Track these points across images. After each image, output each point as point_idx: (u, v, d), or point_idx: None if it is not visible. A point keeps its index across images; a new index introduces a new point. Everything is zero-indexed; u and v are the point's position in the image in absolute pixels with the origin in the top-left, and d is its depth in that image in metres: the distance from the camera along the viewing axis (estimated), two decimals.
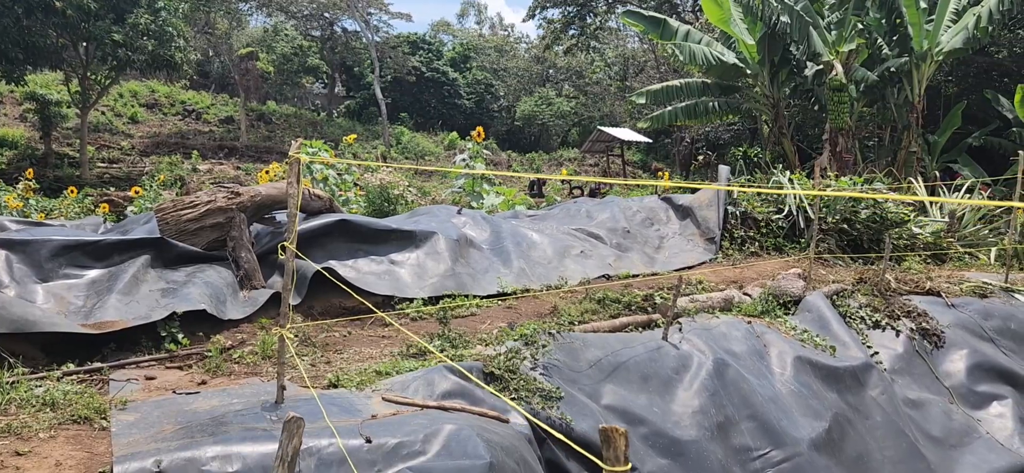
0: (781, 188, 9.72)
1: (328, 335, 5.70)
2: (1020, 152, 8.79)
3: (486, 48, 51.84)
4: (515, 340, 5.06)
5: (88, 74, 26.53)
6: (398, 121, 40.87)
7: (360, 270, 6.87)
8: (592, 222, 9.05)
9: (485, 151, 17.17)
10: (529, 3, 38.99)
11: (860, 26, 18.11)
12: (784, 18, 17.65)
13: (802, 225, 9.34)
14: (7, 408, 4.04)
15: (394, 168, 13.16)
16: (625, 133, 28.52)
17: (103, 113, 32.14)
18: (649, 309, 6.36)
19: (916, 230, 9.43)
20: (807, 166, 18.10)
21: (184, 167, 27.90)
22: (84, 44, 25.88)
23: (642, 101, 22.52)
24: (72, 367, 4.80)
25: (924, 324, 6.71)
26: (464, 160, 12.22)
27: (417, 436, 3.62)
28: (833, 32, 17.60)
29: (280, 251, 6.64)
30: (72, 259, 6.16)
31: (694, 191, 9.99)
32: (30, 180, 15.63)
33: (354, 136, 16.16)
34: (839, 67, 17.27)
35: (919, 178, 14.96)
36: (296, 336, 5.44)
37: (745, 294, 6.99)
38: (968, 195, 11.93)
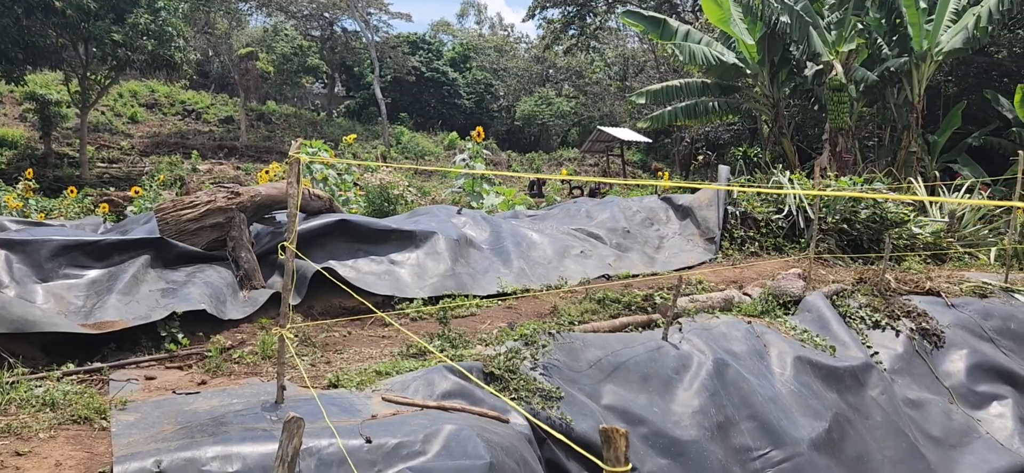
0: (781, 188, 9.72)
1: (328, 335, 5.70)
2: (1020, 152, 8.79)
3: (486, 48, 51.85)
4: (515, 340, 5.06)
5: (88, 74, 26.53)
6: (398, 121, 40.88)
7: (360, 270, 6.87)
8: (592, 222, 9.05)
9: (485, 151, 17.17)
10: (529, 3, 39.01)
11: (860, 26, 18.11)
12: (784, 18, 17.65)
13: (802, 225, 9.34)
14: (7, 408, 4.04)
15: (394, 168, 13.16)
16: (625, 133, 28.52)
17: (103, 113, 32.15)
18: (649, 309, 6.36)
19: (916, 230, 9.43)
20: (807, 166, 18.10)
21: (184, 167, 27.90)
22: (84, 44, 25.88)
23: (642, 101, 22.52)
24: (72, 367, 4.80)
25: (924, 324, 6.72)
26: (464, 160, 12.22)
27: (417, 436, 3.62)
28: (833, 32, 17.60)
29: (280, 251, 6.64)
30: (72, 259, 6.16)
31: (694, 191, 9.99)
32: (30, 180, 15.63)
33: (354, 136, 16.16)
34: (839, 67, 17.28)
35: (919, 178, 14.96)
36: (296, 336, 5.44)
37: (745, 294, 7.00)
38: (968, 195, 11.93)
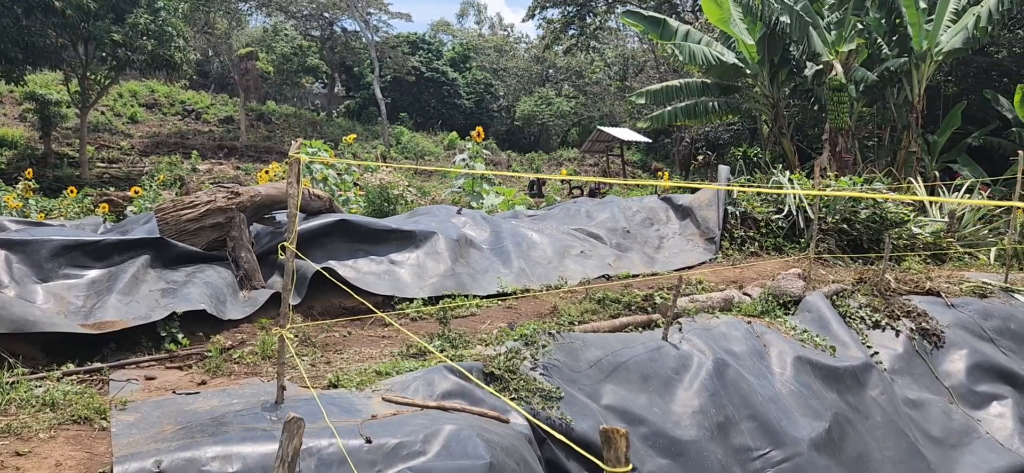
0: (781, 188, 9.72)
1: (328, 335, 5.70)
2: (1020, 152, 8.79)
3: (486, 48, 51.86)
4: (515, 340, 5.06)
5: (88, 74, 26.53)
6: (398, 121, 40.88)
7: (360, 270, 6.87)
8: (592, 222, 9.05)
9: (485, 151, 17.17)
10: (529, 3, 39.02)
11: (860, 26, 18.11)
12: (784, 18, 17.65)
13: (802, 225, 9.34)
14: (7, 408, 4.04)
15: (394, 168, 13.16)
16: (625, 133, 28.52)
17: (103, 113, 32.15)
18: (649, 309, 6.36)
19: (916, 230, 9.43)
20: (807, 166, 18.11)
21: (184, 167, 27.90)
22: (84, 44, 25.87)
23: (642, 101, 22.52)
24: (72, 367, 4.80)
25: (924, 324, 6.72)
26: (464, 160, 12.22)
27: (417, 436, 3.62)
28: (833, 32, 17.60)
29: (280, 251, 6.64)
30: (72, 259, 6.16)
31: (694, 191, 9.99)
32: (30, 180, 15.63)
33: (354, 136, 16.16)
34: (839, 67, 17.28)
35: (919, 178, 14.96)
36: (296, 336, 5.44)
37: (745, 294, 7.00)
38: (968, 195, 11.93)
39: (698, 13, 29.11)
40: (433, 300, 6.64)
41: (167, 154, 29.89)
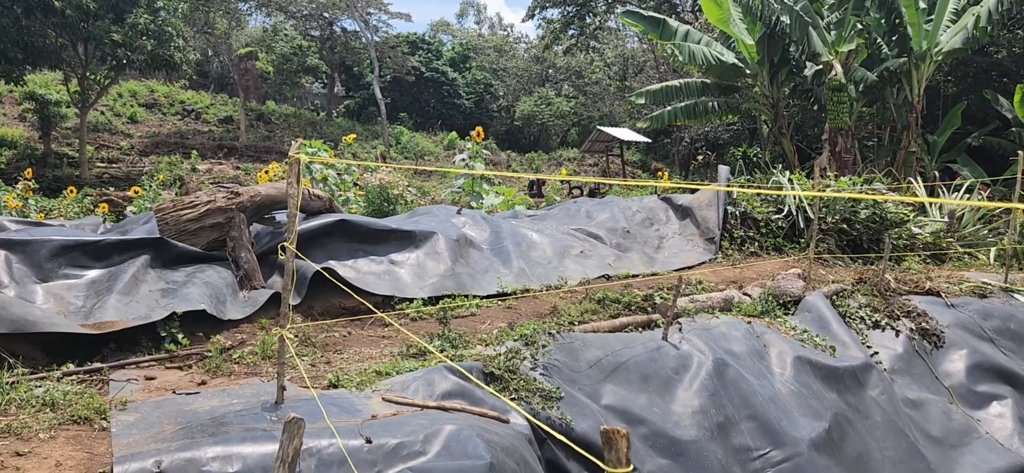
0: (781, 188, 9.73)
1: (328, 335, 5.70)
2: (1019, 152, 8.80)
3: (485, 48, 51.89)
4: (515, 340, 5.06)
5: (87, 74, 26.53)
6: (397, 121, 40.89)
7: (360, 270, 6.87)
8: (592, 222, 9.05)
9: (484, 151, 17.17)
10: (529, 3, 39.03)
11: (859, 26, 18.12)
12: (784, 18, 17.65)
13: (802, 225, 9.34)
14: (7, 408, 4.04)
15: (394, 168, 13.16)
16: (625, 133, 28.53)
17: (102, 113, 32.15)
18: (649, 309, 6.36)
19: (916, 230, 9.44)
20: (807, 166, 18.10)
21: (183, 167, 27.90)
22: (83, 44, 25.87)
23: (641, 101, 22.52)
24: (72, 367, 4.79)
25: (924, 324, 6.72)
26: (463, 160, 12.22)
27: (417, 436, 3.62)
28: (832, 32, 17.61)
29: (280, 251, 6.64)
30: (72, 259, 6.15)
31: (694, 191, 9.99)
32: (29, 180, 15.63)
33: (353, 136, 16.16)
34: (838, 67, 17.28)
35: (918, 178, 14.96)
36: (296, 336, 5.43)
37: (745, 294, 7.00)
38: (967, 195, 11.93)
39: (698, 13, 29.12)
40: (433, 300, 6.64)
41: (167, 154, 29.90)
